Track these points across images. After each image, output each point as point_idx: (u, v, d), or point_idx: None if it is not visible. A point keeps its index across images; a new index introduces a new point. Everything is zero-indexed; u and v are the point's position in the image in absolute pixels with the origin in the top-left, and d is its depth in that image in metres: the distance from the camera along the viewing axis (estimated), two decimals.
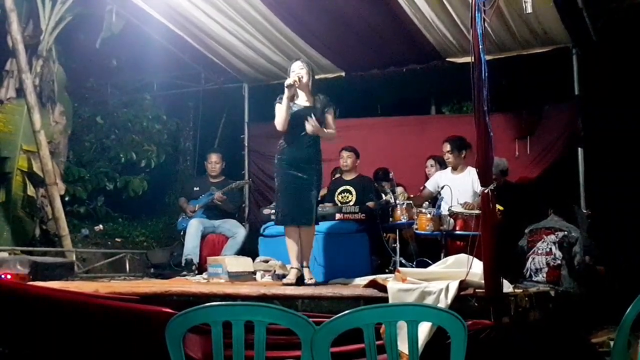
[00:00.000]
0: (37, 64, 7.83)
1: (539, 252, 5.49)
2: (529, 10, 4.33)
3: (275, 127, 5.45)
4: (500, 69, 6.93)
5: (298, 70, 5.47)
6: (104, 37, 8.10)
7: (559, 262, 5.36)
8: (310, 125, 5.34)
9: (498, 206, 5.52)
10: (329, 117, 5.58)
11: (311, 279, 5.35)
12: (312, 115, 5.39)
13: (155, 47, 8.11)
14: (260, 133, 8.71)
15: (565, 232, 5.45)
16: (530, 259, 5.49)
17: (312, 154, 5.48)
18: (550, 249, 5.46)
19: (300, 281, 5.27)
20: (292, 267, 5.37)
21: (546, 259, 5.44)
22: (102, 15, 7.93)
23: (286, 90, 5.36)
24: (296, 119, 5.39)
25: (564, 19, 6.44)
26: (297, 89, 5.47)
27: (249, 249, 7.21)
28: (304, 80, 5.45)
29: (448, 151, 6.59)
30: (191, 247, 7.28)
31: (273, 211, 6.56)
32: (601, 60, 7.42)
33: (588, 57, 7.16)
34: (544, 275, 5.38)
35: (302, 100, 5.51)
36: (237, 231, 7.53)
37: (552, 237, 5.47)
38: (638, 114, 7.20)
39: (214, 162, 7.88)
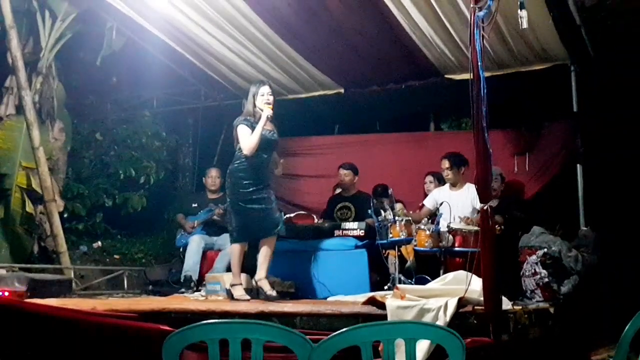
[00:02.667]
0: (37, 81, 7.85)
1: (527, 274, 5.49)
2: (525, 25, 4.34)
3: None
4: (498, 85, 6.92)
5: (268, 97, 5.71)
6: (104, 54, 8.14)
7: (546, 279, 5.36)
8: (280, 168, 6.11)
9: (499, 217, 5.53)
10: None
11: (271, 289, 5.56)
12: (277, 141, 5.93)
13: (155, 64, 8.14)
14: None
15: (545, 249, 5.44)
16: (522, 282, 5.50)
17: (269, 173, 5.92)
18: (535, 269, 5.45)
19: (256, 294, 5.62)
20: (238, 284, 5.69)
21: (534, 279, 5.43)
22: (102, 33, 7.98)
23: (264, 119, 5.63)
24: (263, 142, 5.69)
25: (562, 36, 6.46)
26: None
27: (248, 266, 7.19)
28: (273, 103, 5.78)
29: (447, 167, 6.59)
30: (191, 263, 7.26)
31: None
32: (599, 77, 7.44)
33: (586, 73, 7.18)
34: (540, 296, 5.37)
35: (268, 125, 5.78)
36: (226, 244, 7.47)
37: (534, 258, 5.47)
38: (636, 130, 7.21)
39: (214, 176, 7.90)
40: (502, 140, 7.51)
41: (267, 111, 5.64)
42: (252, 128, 5.65)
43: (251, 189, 5.64)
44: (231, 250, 5.81)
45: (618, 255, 6.26)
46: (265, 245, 5.72)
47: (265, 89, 5.76)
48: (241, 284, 5.70)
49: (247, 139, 5.62)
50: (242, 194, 5.65)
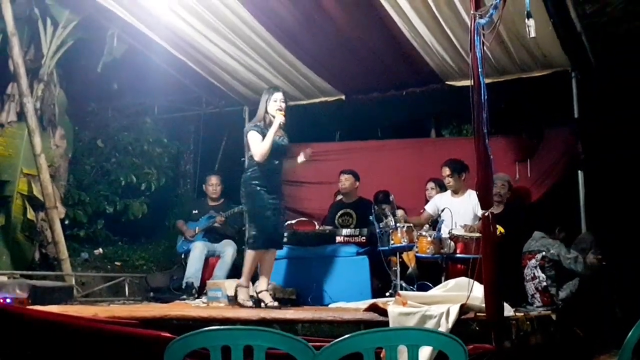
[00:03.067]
0: (38, 88, 7.87)
1: (527, 278, 5.50)
2: (533, 34, 4.30)
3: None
4: (499, 92, 6.95)
5: (280, 103, 5.70)
6: (105, 61, 8.16)
7: (544, 283, 5.36)
8: (306, 155, 5.87)
9: (499, 228, 5.54)
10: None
11: (272, 301, 5.51)
12: (287, 147, 5.83)
13: (156, 71, 8.13)
14: None
15: (543, 252, 5.44)
16: (525, 287, 5.51)
17: (281, 180, 5.89)
18: (534, 273, 5.46)
19: (257, 303, 5.54)
20: (245, 287, 5.62)
21: (534, 284, 5.44)
22: (103, 40, 7.99)
23: (276, 125, 5.59)
24: (274, 148, 5.63)
25: (562, 43, 6.46)
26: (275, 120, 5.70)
27: None
28: (285, 109, 5.74)
29: (448, 175, 6.59)
30: (194, 270, 7.26)
31: None
32: (600, 83, 7.44)
33: (587, 80, 7.19)
34: (539, 300, 5.37)
35: (279, 131, 5.72)
36: (225, 250, 7.47)
37: (533, 262, 5.49)
38: (636, 136, 7.22)
39: (215, 184, 7.92)
40: (503, 146, 7.50)
41: (280, 118, 5.60)
42: (263, 134, 5.60)
43: (266, 196, 5.60)
44: (248, 255, 5.66)
45: (619, 255, 6.26)
46: (268, 258, 5.69)
47: (278, 95, 5.72)
48: (248, 287, 5.63)
49: (258, 145, 5.57)
50: (259, 201, 5.59)
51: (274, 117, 5.64)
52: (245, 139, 5.73)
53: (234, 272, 7.22)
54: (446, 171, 6.60)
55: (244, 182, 5.71)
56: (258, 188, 5.59)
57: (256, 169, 5.63)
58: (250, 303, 5.51)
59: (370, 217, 6.49)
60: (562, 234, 5.88)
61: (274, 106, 5.67)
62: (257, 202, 5.61)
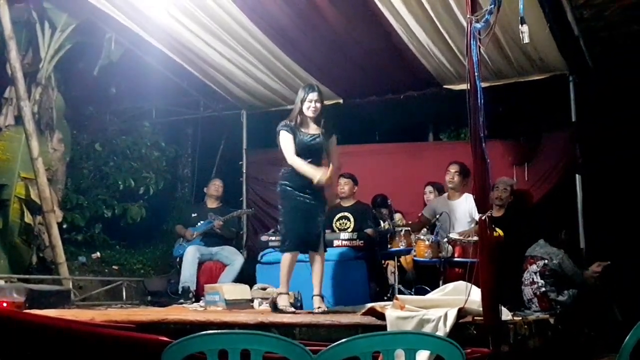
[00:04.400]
0: (36, 92, 7.87)
1: (526, 283, 5.50)
2: (526, 40, 4.30)
3: (272, 154, 5.48)
4: (497, 96, 6.97)
5: (315, 104, 5.43)
6: (102, 65, 8.19)
7: (543, 289, 5.36)
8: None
9: (498, 231, 5.54)
10: (332, 147, 5.61)
11: (319, 307, 5.35)
12: (322, 145, 5.48)
13: (154, 75, 8.13)
14: (258, 160, 8.73)
15: (546, 261, 5.44)
16: (522, 290, 5.51)
17: None
18: (533, 278, 5.46)
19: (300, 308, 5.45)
20: (285, 293, 5.45)
21: (532, 289, 5.44)
22: (101, 44, 8.00)
23: (308, 172, 5.32)
24: (305, 148, 5.42)
25: (560, 47, 6.48)
26: (309, 119, 5.48)
27: (246, 276, 7.17)
28: (319, 110, 5.47)
29: (456, 172, 6.56)
30: (188, 274, 7.26)
31: (272, 238, 6.60)
32: (598, 87, 7.46)
33: (585, 84, 7.20)
34: (537, 305, 5.37)
35: (312, 129, 5.50)
36: (235, 258, 7.51)
37: (534, 267, 5.48)
38: (634, 139, 7.23)
39: (218, 185, 8.00)
40: (501, 150, 7.50)
41: (320, 176, 5.28)
42: (293, 133, 5.40)
43: (298, 197, 5.40)
44: (282, 260, 5.51)
45: (618, 257, 6.26)
46: (316, 260, 5.52)
47: (313, 95, 5.44)
48: (288, 293, 5.48)
49: (289, 151, 5.38)
50: (290, 201, 5.43)
51: (308, 117, 5.45)
52: (277, 138, 5.49)
53: (241, 280, 7.17)
54: (455, 167, 6.58)
55: (279, 183, 5.53)
56: (289, 188, 5.42)
57: (288, 169, 5.45)
58: (291, 309, 5.35)
59: (368, 221, 6.47)
60: (566, 237, 5.89)
61: (309, 106, 5.43)
62: (287, 202, 5.45)
